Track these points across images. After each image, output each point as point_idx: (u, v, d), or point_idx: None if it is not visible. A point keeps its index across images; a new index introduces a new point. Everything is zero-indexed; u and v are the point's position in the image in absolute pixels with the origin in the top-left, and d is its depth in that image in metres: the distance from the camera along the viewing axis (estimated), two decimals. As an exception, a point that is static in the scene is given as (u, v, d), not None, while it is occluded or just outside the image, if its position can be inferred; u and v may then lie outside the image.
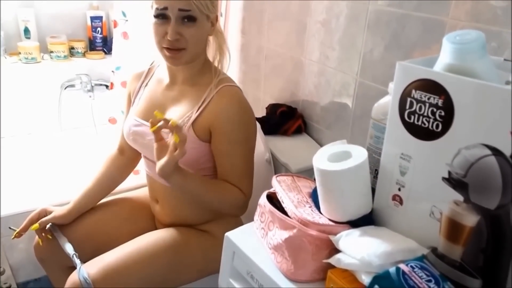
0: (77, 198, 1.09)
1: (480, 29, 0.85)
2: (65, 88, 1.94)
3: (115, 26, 1.48)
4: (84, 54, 2.07)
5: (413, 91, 0.60)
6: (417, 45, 0.99)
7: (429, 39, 0.96)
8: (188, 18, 0.91)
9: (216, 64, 1.01)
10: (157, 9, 0.90)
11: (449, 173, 0.58)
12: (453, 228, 0.59)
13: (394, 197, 0.67)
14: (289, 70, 1.45)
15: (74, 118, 2.02)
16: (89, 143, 1.91)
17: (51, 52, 1.97)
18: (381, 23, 1.08)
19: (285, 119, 1.38)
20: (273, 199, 0.78)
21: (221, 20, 1.02)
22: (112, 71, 1.53)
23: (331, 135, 1.31)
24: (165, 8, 0.90)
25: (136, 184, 1.31)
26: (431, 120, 0.58)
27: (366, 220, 0.69)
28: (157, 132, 0.84)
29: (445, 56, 0.59)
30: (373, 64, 1.12)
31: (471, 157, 0.55)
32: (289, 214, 0.71)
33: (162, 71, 1.06)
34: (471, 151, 0.55)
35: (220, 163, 0.98)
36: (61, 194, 1.34)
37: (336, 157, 0.69)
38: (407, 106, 0.61)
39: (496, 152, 0.53)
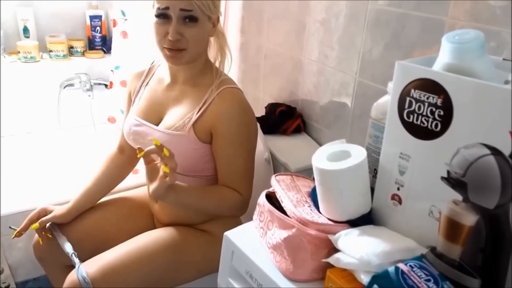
0: (76, 197, 1.09)
1: (479, 28, 0.85)
2: (64, 87, 1.93)
3: (114, 25, 1.48)
4: (83, 53, 2.06)
5: (412, 90, 0.60)
6: (417, 44, 0.99)
7: (429, 38, 0.96)
8: (190, 18, 0.91)
9: (217, 65, 1.01)
10: (158, 8, 0.90)
11: (448, 172, 0.58)
12: (452, 228, 0.59)
13: (393, 197, 0.67)
14: (288, 69, 1.45)
15: (73, 117, 2.01)
16: (88, 142, 1.91)
17: (50, 51, 1.96)
18: (381, 22, 1.08)
19: (284, 119, 1.38)
20: (272, 198, 0.78)
21: (220, 20, 1.02)
22: (112, 70, 1.53)
23: (330, 135, 1.31)
24: (167, 8, 0.89)
25: (135, 184, 1.31)
26: (430, 120, 0.59)
27: (365, 220, 0.69)
28: (145, 156, 0.84)
29: (444, 55, 0.59)
30: (372, 63, 1.12)
31: (470, 157, 0.55)
32: (288, 213, 0.71)
33: (163, 71, 1.06)
34: (470, 151, 0.55)
35: (221, 164, 0.98)
36: (60, 193, 1.34)
37: (335, 157, 0.69)
38: (406, 106, 0.61)
39: (495, 151, 0.53)
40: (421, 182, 0.62)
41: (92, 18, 2.06)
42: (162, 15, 0.91)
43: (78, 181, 1.19)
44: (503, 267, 0.56)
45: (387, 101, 0.66)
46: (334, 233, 0.66)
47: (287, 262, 0.69)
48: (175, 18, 0.90)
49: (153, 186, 0.84)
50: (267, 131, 1.33)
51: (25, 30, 1.94)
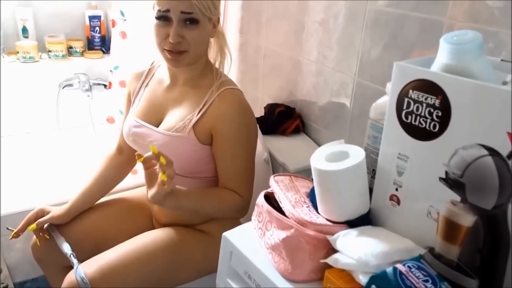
0: (75, 198, 1.09)
1: (478, 29, 0.85)
2: (63, 88, 1.93)
3: (113, 26, 1.48)
4: (82, 54, 2.06)
5: (410, 91, 0.60)
6: (415, 45, 0.99)
7: (427, 39, 0.96)
8: (190, 21, 0.90)
9: (217, 65, 1.01)
10: (159, 10, 0.90)
11: (446, 173, 0.58)
12: (450, 228, 0.59)
13: (392, 197, 0.67)
14: (287, 69, 1.45)
15: (72, 117, 2.01)
16: (87, 143, 1.91)
17: (49, 51, 1.96)
18: (379, 23, 1.08)
19: (283, 119, 1.38)
20: (270, 199, 0.78)
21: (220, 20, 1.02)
22: (110, 71, 1.53)
23: (329, 135, 1.31)
24: (167, 10, 0.89)
25: (134, 184, 1.30)
26: (428, 120, 0.59)
27: (364, 220, 0.69)
28: (144, 162, 0.83)
29: (442, 56, 0.59)
30: (371, 64, 1.12)
31: (468, 157, 0.55)
32: (286, 214, 0.71)
33: (162, 72, 1.06)
34: (468, 151, 0.55)
35: (221, 165, 0.98)
36: (59, 193, 1.34)
37: (333, 157, 0.69)
38: (405, 106, 0.61)
39: (493, 152, 0.53)
40: (419, 183, 0.62)
41: (91, 18, 2.06)
42: (163, 18, 0.90)
43: (77, 181, 1.18)
44: (501, 267, 0.56)
45: (386, 102, 0.66)
46: (333, 234, 0.66)
47: (286, 262, 0.69)
48: (176, 21, 0.90)
49: (152, 191, 0.84)
50: (266, 131, 1.33)
51: (24, 30, 1.94)
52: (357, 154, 0.68)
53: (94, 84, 1.96)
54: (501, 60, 0.65)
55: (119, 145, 1.16)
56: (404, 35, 1.02)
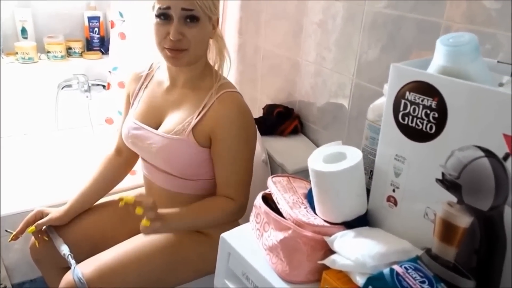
0: (73, 199, 1.09)
1: (475, 30, 0.86)
2: (62, 88, 1.93)
3: (112, 27, 1.48)
4: (81, 54, 2.06)
5: (407, 93, 0.60)
6: (413, 46, 1.00)
7: (425, 40, 0.97)
8: (191, 18, 0.91)
9: (216, 68, 1.01)
10: (159, 8, 0.90)
11: (443, 174, 0.58)
12: (447, 229, 0.59)
13: (389, 198, 0.67)
14: (286, 70, 1.45)
15: (71, 118, 2.01)
16: (86, 143, 1.91)
17: (48, 52, 1.96)
18: (377, 24, 1.08)
19: (281, 120, 1.38)
20: (268, 200, 0.78)
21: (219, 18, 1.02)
22: (109, 72, 1.53)
23: (327, 136, 1.31)
24: (168, 8, 0.89)
25: (133, 185, 1.31)
26: (425, 122, 0.59)
27: (361, 221, 0.69)
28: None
29: (439, 58, 0.59)
30: (369, 65, 1.13)
31: (464, 159, 0.55)
32: (284, 215, 0.71)
33: (162, 73, 1.06)
34: (464, 153, 0.56)
35: (219, 168, 0.99)
36: (58, 194, 1.34)
37: (331, 158, 0.69)
38: (401, 108, 0.61)
39: (489, 153, 0.53)
40: (416, 184, 0.62)
41: (90, 19, 2.06)
42: (163, 15, 0.90)
43: (76, 182, 1.18)
44: (498, 268, 0.56)
45: (383, 103, 0.66)
46: (330, 235, 0.66)
47: (283, 263, 0.69)
48: (177, 18, 0.90)
49: (141, 227, 0.87)
50: (264, 132, 1.33)
51: (23, 31, 1.94)
52: (354, 156, 0.68)
53: (93, 84, 1.96)
54: (498, 61, 0.66)
55: (118, 146, 1.16)
56: (401, 36, 1.02)
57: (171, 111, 1.01)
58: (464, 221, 0.57)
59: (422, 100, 0.58)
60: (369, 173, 0.74)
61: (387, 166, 0.66)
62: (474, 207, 0.56)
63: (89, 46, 2.10)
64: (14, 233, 1.04)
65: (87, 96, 1.95)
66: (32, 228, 1.02)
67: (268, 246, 0.72)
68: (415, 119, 0.60)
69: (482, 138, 0.54)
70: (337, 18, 1.20)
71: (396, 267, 0.57)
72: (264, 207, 0.75)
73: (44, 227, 1.06)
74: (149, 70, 1.10)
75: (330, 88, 1.27)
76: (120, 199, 0.85)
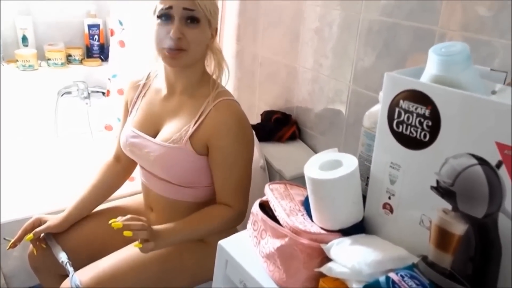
0: (72, 206, 1.09)
1: (469, 38, 0.87)
2: (62, 95, 1.94)
3: (112, 35, 1.50)
4: (81, 61, 2.08)
5: (401, 101, 0.61)
6: (408, 53, 1.01)
7: (420, 47, 0.98)
8: (192, 19, 0.92)
9: (214, 77, 1.02)
10: (161, 9, 0.92)
11: (437, 181, 0.59)
12: (442, 236, 0.60)
13: (385, 205, 0.67)
14: (283, 77, 1.46)
15: (71, 124, 2.02)
16: (85, 150, 1.91)
17: (49, 59, 1.98)
18: (373, 32, 1.09)
19: (279, 126, 1.38)
20: (265, 207, 0.79)
21: (217, 31, 1.04)
22: (109, 79, 1.54)
23: (325, 141, 1.32)
24: (170, 8, 0.91)
25: (131, 191, 1.31)
26: (419, 130, 0.59)
27: (357, 228, 0.70)
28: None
29: (431, 67, 0.60)
30: (366, 72, 1.13)
31: (458, 166, 0.56)
32: (281, 222, 0.71)
33: (159, 82, 1.07)
34: (458, 160, 0.56)
35: (217, 176, 0.99)
36: (57, 201, 1.34)
37: (327, 166, 0.70)
38: (396, 116, 0.62)
39: (482, 161, 0.54)
40: (412, 191, 0.63)
41: (90, 26, 2.07)
42: (165, 15, 0.92)
43: (75, 188, 1.19)
44: (493, 276, 0.56)
45: (379, 111, 0.66)
46: (327, 242, 0.66)
47: (280, 271, 0.69)
48: (178, 18, 0.91)
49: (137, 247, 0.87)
50: (262, 138, 1.34)
51: (24, 38, 1.95)
52: (350, 163, 0.69)
53: (92, 91, 1.97)
54: (491, 69, 0.66)
55: (117, 153, 1.17)
56: (397, 44, 1.03)
57: (168, 119, 1.02)
58: (459, 228, 0.57)
59: (416, 109, 0.59)
60: (366, 180, 0.75)
61: (383, 174, 0.66)
62: (468, 214, 0.56)
63: (89, 53, 2.11)
64: (12, 240, 1.04)
65: (86, 103, 1.96)
66: (30, 235, 1.02)
67: (265, 254, 0.73)
68: (409, 127, 0.60)
69: (475, 146, 0.54)
70: (333, 26, 1.21)
71: (392, 275, 0.57)
72: (261, 215, 0.75)
73: (42, 235, 1.06)
74: (146, 78, 1.11)
75: (327, 94, 1.28)
76: (110, 223, 0.86)
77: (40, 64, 1.97)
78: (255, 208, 0.78)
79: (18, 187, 1.63)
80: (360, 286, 0.58)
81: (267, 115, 1.44)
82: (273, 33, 1.48)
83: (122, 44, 1.49)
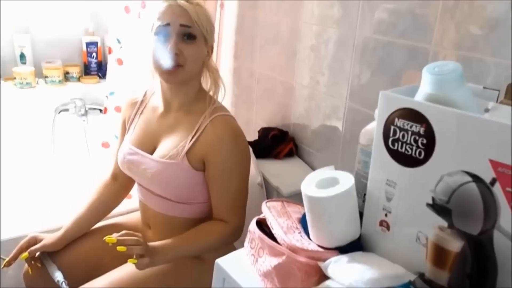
0: (68, 225, 1.08)
1: (462, 56, 0.88)
2: (59, 112, 1.95)
3: (109, 52, 1.51)
4: (78, 79, 2.09)
5: (396, 119, 0.61)
6: (403, 71, 1.02)
7: (414, 65, 0.99)
8: (188, 36, 0.94)
9: (211, 94, 1.03)
10: (159, 26, 0.94)
11: (433, 199, 0.59)
12: (439, 254, 0.60)
13: (381, 223, 0.68)
14: (280, 94, 1.48)
15: (68, 141, 2.02)
16: (82, 167, 1.91)
17: (46, 77, 1.99)
18: (368, 49, 1.11)
19: (276, 143, 1.39)
20: (263, 225, 0.78)
21: (214, 47, 1.06)
22: (106, 96, 1.55)
23: (322, 158, 1.32)
24: (168, 24, 0.93)
25: (128, 209, 1.30)
26: (414, 148, 0.60)
27: (355, 246, 0.70)
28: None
29: (425, 86, 0.61)
30: (362, 89, 1.15)
31: (453, 184, 0.56)
32: (278, 240, 0.71)
33: (156, 100, 1.08)
34: (453, 178, 0.57)
35: (214, 191, 0.99)
36: (54, 219, 1.33)
37: (324, 183, 0.70)
38: (391, 134, 0.63)
39: (476, 179, 0.54)
40: (408, 208, 0.63)
41: (88, 44, 2.09)
42: (162, 32, 0.94)
43: (72, 206, 1.18)
44: (490, 293, 0.57)
45: (374, 128, 0.67)
46: (324, 260, 0.66)
47: (278, 289, 0.69)
48: (175, 34, 0.93)
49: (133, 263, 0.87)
50: (260, 155, 1.34)
51: (22, 56, 1.97)
52: (346, 181, 0.69)
53: (90, 108, 1.98)
54: (484, 87, 0.67)
55: (114, 171, 1.16)
56: (392, 62, 1.05)
57: (165, 135, 1.03)
58: (455, 245, 0.57)
59: (411, 127, 0.60)
60: (363, 197, 0.75)
61: (379, 191, 0.67)
62: (464, 231, 0.56)
63: (86, 70, 2.13)
64: (7, 259, 1.03)
65: (84, 120, 1.96)
66: (25, 254, 1.01)
67: (262, 272, 0.72)
68: (404, 144, 0.61)
69: (470, 163, 0.55)
70: (329, 44, 1.24)
71: (389, 293, 0.57)
72: (258, 233, 0.75)
73: (37, 254, 1.05)
74: (143, 96, 1.12)
75: (324, 111, 1.29)
76: (108, 237, 0.86)
77: (37, 81, 1.98)
78: (253, 226, 0.78)
79: (15, 204, 1.62)
80: (358, 305, 0.58)
81: (264, 132, 1.45)
82: (270, 50, 1.50)
83: (120, 62, 1.51)
